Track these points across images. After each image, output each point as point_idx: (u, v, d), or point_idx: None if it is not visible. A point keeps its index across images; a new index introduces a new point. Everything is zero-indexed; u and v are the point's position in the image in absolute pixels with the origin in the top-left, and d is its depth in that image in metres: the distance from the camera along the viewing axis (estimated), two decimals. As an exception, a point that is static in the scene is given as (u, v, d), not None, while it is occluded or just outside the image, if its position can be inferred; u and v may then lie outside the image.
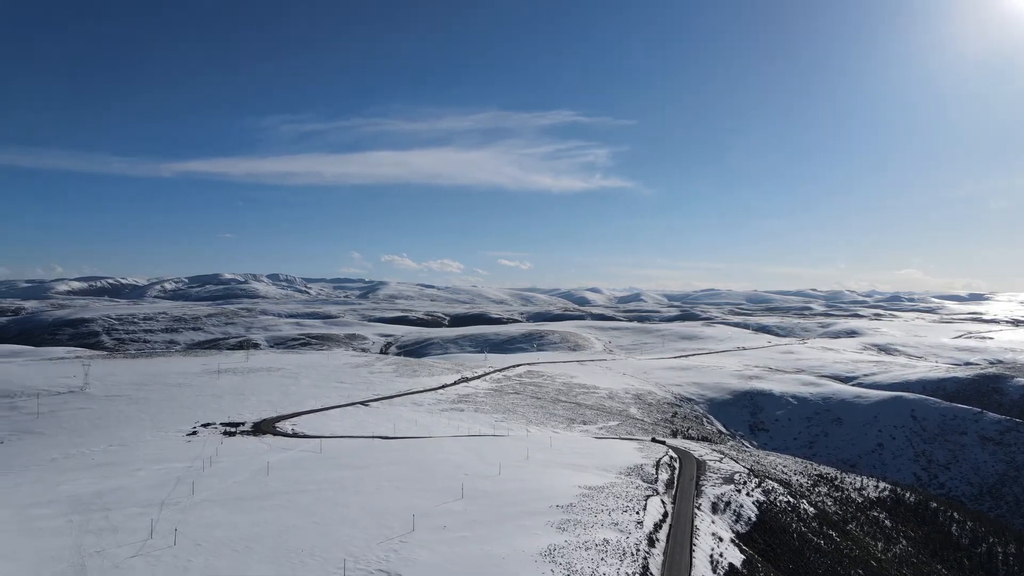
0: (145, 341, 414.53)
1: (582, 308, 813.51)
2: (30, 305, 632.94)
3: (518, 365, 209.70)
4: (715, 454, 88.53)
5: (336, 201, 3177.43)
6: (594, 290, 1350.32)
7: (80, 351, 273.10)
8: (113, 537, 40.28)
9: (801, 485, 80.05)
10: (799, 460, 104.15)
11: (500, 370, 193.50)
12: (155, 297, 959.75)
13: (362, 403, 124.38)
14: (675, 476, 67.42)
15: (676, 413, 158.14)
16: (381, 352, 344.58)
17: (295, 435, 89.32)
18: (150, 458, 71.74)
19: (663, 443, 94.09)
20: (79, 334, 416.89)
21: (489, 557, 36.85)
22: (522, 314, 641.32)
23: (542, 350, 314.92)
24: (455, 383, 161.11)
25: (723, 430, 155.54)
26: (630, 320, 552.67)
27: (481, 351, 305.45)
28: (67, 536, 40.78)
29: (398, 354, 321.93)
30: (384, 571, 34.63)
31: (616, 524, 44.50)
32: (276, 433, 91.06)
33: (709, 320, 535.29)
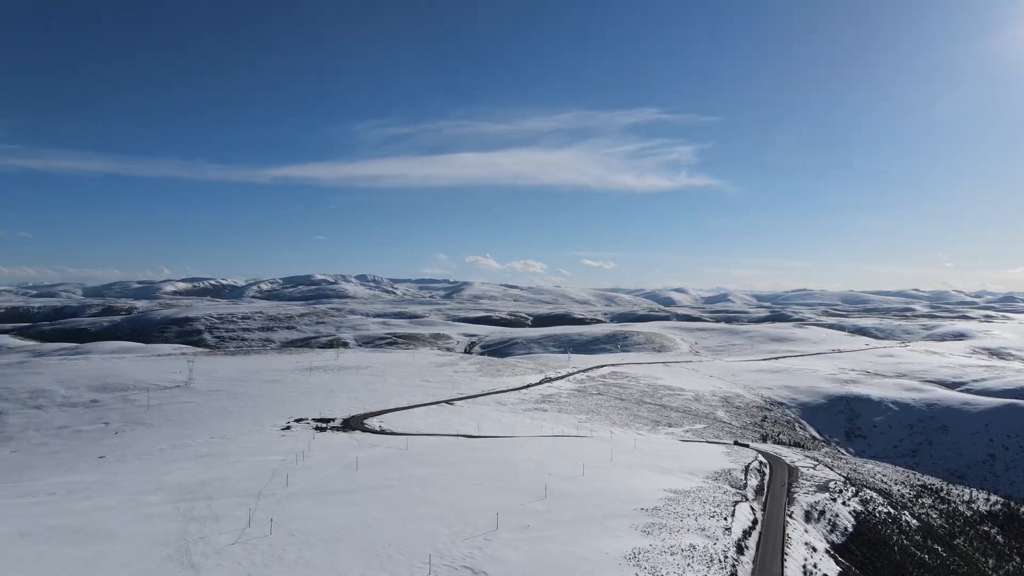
0: (243, 339, 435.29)
1: (667, 309, 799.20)
2: (141, 304, 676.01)
3: (602, 366, 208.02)
4: (808, 460, 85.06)
5: (422, 202, 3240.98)
6: (679, 290, 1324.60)
7: (185, 348, 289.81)
8: (215, 525, 42.44)
9: (903, 496, 75.86)
10: (900, 469, 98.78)
11: (584, 371, 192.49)
12: (252, 297, 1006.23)
13: (447, 402, 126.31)
14: (765, 482, 65.18)
15: (766, 417, 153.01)
16: (465, 351, 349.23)
17: (382, 432, 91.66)
18: (248, 451, 75.23)
19: (752, 447, 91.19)
20: (184, 332, 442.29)
21: (572, 558, 36.65)
22: (606, 315, 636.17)
23: (626, 351, 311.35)
24: (538, 383, 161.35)
25: (816, 436, 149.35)
26: (717, 321, 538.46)
27: (564, 351, 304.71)
28: (174, 522, 43.25)
29: (482, 354, 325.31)
30: (469, 568, 34.99)
31: (703, 529, 43.40)
32: (364, 429, 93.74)
33: (801, 321, 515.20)
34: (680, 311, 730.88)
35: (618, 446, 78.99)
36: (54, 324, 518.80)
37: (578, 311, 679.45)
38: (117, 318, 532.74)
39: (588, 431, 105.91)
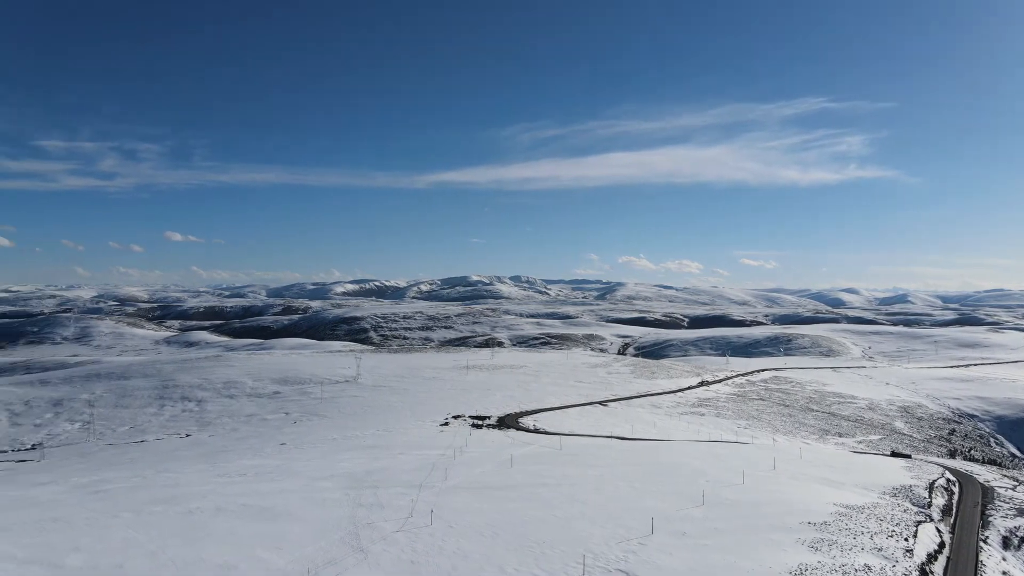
0: (404, 338, 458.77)
1: (835, 310, 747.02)
2: (315, 304, 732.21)
3: (763, 370, 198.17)
4: (1007, 480, 75.90)
5: (574, 204, 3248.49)
6: (850, 291, 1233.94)
7: (353, 345, 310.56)
8: (380, 512, 44.94)
9: None
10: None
11: (743, 374, 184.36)
12: (413, 298, 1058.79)
13: (600, 403, 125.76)
14: (953, 502, 58.91)
15: (954, 431, 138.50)
16: (619, 353, 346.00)
17: (536, 431, 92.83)
18: (409, 444, 79.07)
19: (937, 463, 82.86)
20: (352, 330, 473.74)
21: (732, 569, 35.07)
22: (767, 316, 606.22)
23: (789, 354, 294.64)
24: (695, 386, 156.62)
25: (1017, 454, 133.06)
26: (894, 324, 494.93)
27: (722, 354, 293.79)
28: (344, 507, 46.31)
29: (635, 355, 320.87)
30: (623, 571, 34.50)
31: (879, 549, 39.94)
32: (518, 428, 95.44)
33: (996, 325, 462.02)
34: (850, 313, 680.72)
35: (781, 454, 74.73)
36: (243, 322, 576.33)
37: (737, 312, 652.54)
38: (295, 317, 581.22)
39: (749, 438, 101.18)
